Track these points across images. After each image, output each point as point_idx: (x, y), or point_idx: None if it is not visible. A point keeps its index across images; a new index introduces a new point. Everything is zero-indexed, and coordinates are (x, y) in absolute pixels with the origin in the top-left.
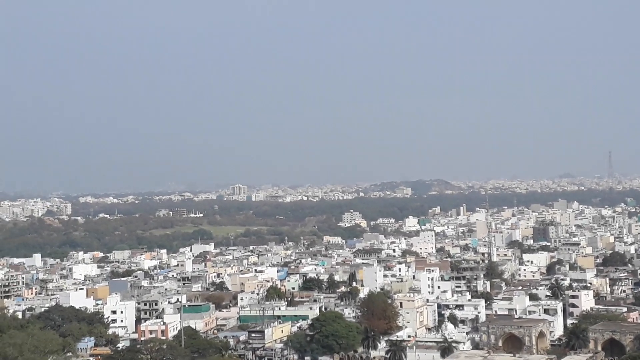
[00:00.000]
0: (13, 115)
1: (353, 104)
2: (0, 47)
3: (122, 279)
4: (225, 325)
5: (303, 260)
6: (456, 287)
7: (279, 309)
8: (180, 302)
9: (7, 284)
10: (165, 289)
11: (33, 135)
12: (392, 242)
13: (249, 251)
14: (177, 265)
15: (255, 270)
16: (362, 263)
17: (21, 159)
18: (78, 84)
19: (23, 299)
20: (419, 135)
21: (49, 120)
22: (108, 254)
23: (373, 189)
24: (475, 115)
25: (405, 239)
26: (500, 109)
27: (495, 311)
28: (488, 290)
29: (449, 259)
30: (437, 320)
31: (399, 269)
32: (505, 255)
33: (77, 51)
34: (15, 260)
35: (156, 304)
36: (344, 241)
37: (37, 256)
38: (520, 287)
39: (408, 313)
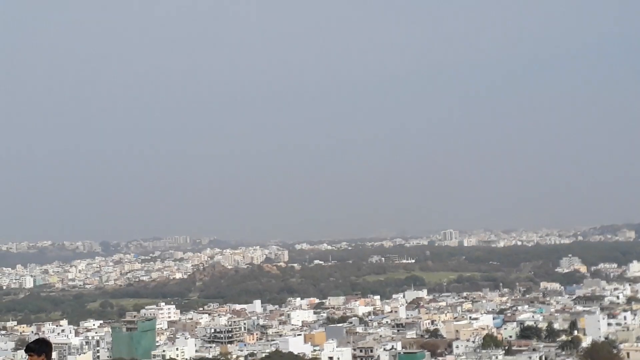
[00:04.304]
0: (237, 171)
1: (568, 139)
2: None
3: (338, 325)
4: None
5: (519, 308)
6: None
7: (497, 357)
8: (395, 349)
9: (230, 329)
10: (380, 336)
11: (253, 187)
12: (616, 289)
13: (462, 297)
14: (391, 311)
15: (470, 317)
16: (584, 310)
17: (242, 210)
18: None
19: (245, 344)
20: None
21: (269, 173)
22: (323, 300)
23: (593, 233)
24: None
25: (629, 284)
26: None
27: None
28: None
29: None
30: None
31: (624, 317)
32: None
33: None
34: (237, 307)
35: (371, 351)
36: (562, 287)
37: (257, 302)
38: None
39: None
